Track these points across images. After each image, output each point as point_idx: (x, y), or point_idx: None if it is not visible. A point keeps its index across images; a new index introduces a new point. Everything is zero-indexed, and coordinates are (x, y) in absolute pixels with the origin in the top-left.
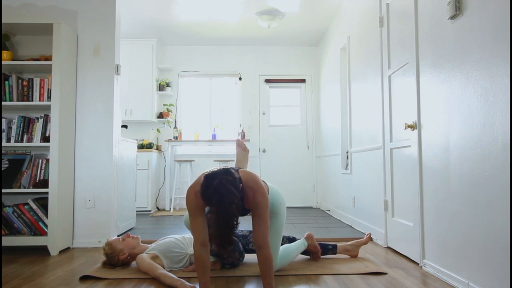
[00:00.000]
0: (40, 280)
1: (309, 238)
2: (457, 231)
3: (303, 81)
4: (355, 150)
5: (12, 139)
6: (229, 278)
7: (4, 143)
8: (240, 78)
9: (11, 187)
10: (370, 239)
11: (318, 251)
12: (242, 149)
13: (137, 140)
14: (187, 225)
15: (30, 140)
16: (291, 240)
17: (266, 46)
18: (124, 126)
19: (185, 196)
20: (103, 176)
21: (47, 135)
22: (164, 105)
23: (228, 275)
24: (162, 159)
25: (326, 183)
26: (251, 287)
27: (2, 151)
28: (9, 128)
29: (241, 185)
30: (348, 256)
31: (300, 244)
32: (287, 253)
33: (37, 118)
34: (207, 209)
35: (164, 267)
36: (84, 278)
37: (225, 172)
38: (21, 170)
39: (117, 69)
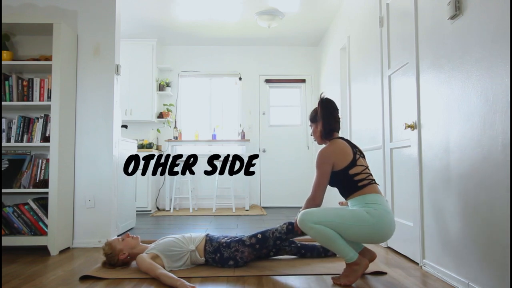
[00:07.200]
0: (40, 280)
1: (368, 256)
2: (457, 231)
3: (303, 81)
4: None
5: (12, 139)
6: (229, 278)
7: (4, 143)
8: (240, 78)
9: (11, 187)
10: None
11: (373, 257)
12: None
13: (137, 140)
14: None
15: (30, 140)
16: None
17: (266, 46)
18: (124, 126)
19: (184, 197)
20: (103, 176)
21: (47, 135)
22: (164, 105)
23: (228, 275)
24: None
25: None
26: (251, 287)
27: (2, 151)
28: (9, 128)
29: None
30: None
31: (349, 248)
32: (326, 233)
33: (37, 118)
34: None
35: (164, 267)
36: (84, 278)
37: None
38: (21, 170)
39: (117, 69)
